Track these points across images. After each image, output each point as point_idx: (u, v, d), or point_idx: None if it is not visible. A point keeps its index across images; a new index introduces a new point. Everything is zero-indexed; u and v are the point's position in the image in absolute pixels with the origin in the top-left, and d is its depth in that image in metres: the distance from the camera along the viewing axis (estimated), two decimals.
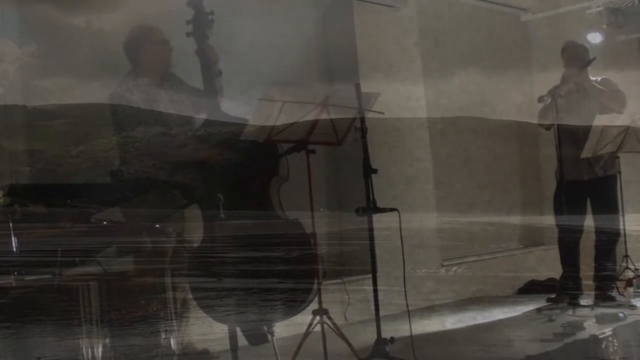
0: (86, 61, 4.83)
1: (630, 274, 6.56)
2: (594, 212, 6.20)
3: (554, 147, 6.02)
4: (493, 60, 7.86)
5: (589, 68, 6.27)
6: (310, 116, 4.40)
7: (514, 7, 8.15)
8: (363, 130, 4.58)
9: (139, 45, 4.57)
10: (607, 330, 5.23)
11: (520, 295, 7.31)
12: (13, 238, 3.49)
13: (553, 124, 6.09)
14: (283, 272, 4.19)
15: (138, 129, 4.33)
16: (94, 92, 4.51)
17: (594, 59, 6.23)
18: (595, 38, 7.39)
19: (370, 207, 4.57)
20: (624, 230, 6.35)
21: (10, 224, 3.51)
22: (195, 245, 4.37)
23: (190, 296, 4.28)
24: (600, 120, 6.03)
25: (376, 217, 4.61)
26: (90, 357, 3.49)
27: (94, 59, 4.83)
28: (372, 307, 4.60)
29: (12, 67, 4.55)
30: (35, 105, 4.68)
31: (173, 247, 4.20)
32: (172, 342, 3.85)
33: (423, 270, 6.64)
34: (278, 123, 4.35)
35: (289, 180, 4.59)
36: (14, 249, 3.48)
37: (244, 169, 4.47)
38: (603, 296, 6.07)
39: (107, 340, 3.55)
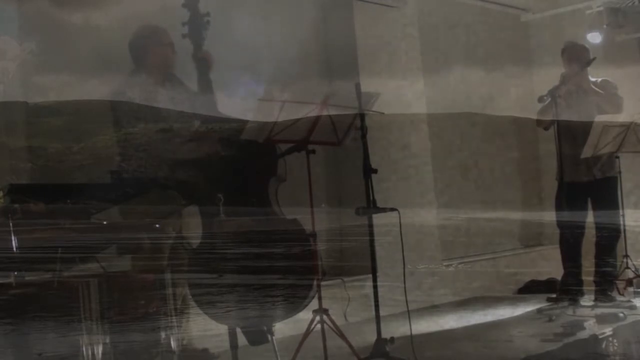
0: (85, 58, 4.83)
1: (630, 274, 6.57)
2: (595, 214, 6.20)
3: (554, 145, 6.01)
4: (493, 59, 7.87)
5: (588, 69, 6.27)
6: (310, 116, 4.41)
7: (514, 7, 8.16)
8: (363, 130, 4.59)
9: (144, 46, 4.57)
10: (607, 330, 5.24)
11: (520, 295, 7.32)
12: (13, 237, 3.49)
13: (552, 124, 6.09)
14: (282, 274, 4.19)
15: (138, 126, 4.33)
16: (94, 89, 4.52)
17: (593, 59, 6.22)
18: (595, 38, 7.40)
19: (370, 207, 4.57)
20: (624, 231, 6.36)
21: (10, 223, 3.51)
22: (195, 244, 4.37)
23: (190, 296, 4.29)
24: (600, 120, 6.03)
25: (376, 216, 4.62)
26: (90, 353, 3.49)
27: (93, 55, 4.84)
28: (372, 306, 4.61)
29: (13, 63, 4.56)
30: (36, 102, 4.69)
31: (173, 245, 4.21)
32: (172, 341, 3.86)
33: (423, 266, 6.65)
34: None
35: (288, 180, 4.59)
36: (14, 248, 3.49)
37: (242, 169, 4.47)
38: (603, 293, 6.07)
39: (108, 337, 3.56)
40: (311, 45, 6.69)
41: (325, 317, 4.37)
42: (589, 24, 7.51)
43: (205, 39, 4.53)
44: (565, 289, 6.11)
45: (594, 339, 5.04)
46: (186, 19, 4.54)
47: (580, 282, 6.15)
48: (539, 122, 6.32)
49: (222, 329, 4.35)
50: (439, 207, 7.13)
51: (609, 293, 6.14)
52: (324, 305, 4.39)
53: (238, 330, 4.36)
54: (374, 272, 4.65)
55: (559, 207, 6.10)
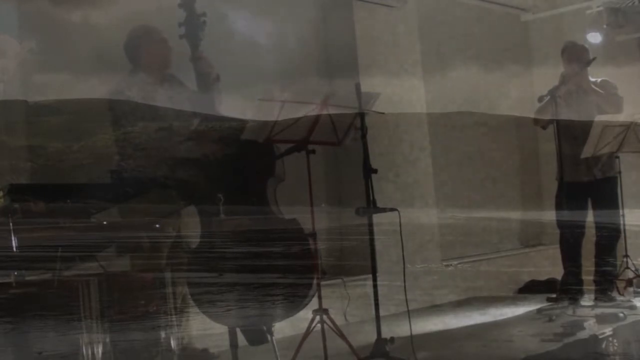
0: (84, 57, 4.83)
1: (630, 274, 6.57)
2: (595, 214, 6.21)
3: (554, 145, 6.01)
4: (493, 59, 7.87)
5: (588, 69, 6.27)
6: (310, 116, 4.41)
7: (514, 7, 8.16)
8: (363, 130, 4.59)
9: (137, 46, 4.58)
10: (607, 330, 5.24)
11: (520, 295, 7.32)
12: (13, 236, 3.49)
13: (550, 123, 6.10)
14: (282, 273, 4.19)
15: (137, 125, 4.34)
16: (93, 88, 4.52)
17: (594, 59, 6.22)
18: (595, 38, 7.40)
19: (370, 207, 4.58)
20: (624, 230, 6.36)
21: (11, 223, 3.51)
22: (195, 243, 4.37)
23: (189, 295, 4.29)
24: (600, 120, 6.03)
25: (376, 216, 4.62)
26: (90, 352, 3.50)
27: (92, 54, 4.84)
28: (372, 306, 4.61)
29: (13, 62, 4.56)
30: (36, 101, 4.69)
31: (172, 245, 4.22)
32: (171, 340, 3.86)
33: (422, 266, 6.65)
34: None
35: (289, 180, 4.59)
36: (14, 247, 3.49)
37: (241, 169, 4.48)
38: (603, 293, 6.07)
39: (108, 336, 3.56)
40: (311, 45, 6.69)
41: (325, 317, 4.37)
42: (589, 24, 7.51)
43: (201, 40, 4.51)
44: (565, 289, 6.11)
45: (594, 339, 5.04)
46: (182, 20, 4.53)
47: (580, 282, 6.15)
48: (536, 121, 6.31)
49: (222, 328, 4.35)
50: (439, 207, 7.13)
51: (609, 293, 6.14)
52: (324, 305, 4.39)
53: (238, 329, 4.36)
54: (374, 271, 4.65)
55: (559, 207, 6.10)
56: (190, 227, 4.41)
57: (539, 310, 6.07)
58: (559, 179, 6.00)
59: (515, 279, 7.57)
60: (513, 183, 8.40)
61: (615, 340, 5.12)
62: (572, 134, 6.10)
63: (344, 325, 4.67)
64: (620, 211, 6.32)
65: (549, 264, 7.47)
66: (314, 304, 4.39)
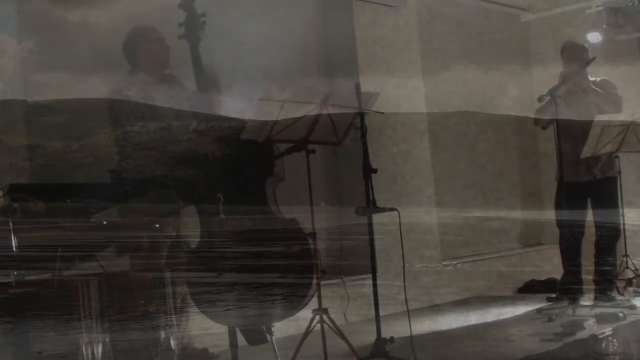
0: (84, 56, 4.84)
1: (630, 274, 6.57)
2: (595, 214, 6.21)
3: (554, 145, 6.01)
4: (493, 59, 7.87)
5: (587, 69, 6.28)
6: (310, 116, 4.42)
7: (514, 7, 8.16)
8: (363, 130, 4.59)
9: (134, 46, 4.59)
10: (607, 330, 5.24)
11: (520, 295, 7.32)
12: (13, 236, 3.50)
13: (550, 123, 6.10)
14: (282, 273, 4.19)
15: (136, 124, 4.34)
16: (93, 87, 4.52)
17: (593, 59, 6.22)
18: (595, 38, 7.40)
19: (370, 207, 4.58)
20: (624, 230, 6.36)
21: (11, 223, 3.51)
22: (195, 243, 4.37)
23: (189, 295, 4.29)
24: (600, 120, 6.03)
25: (376, 216, 4.62)
26: (90, 352, 3.50)
27: (92, 54, 4.84)
28: (372, 306, 4.61)
29: (12, 62, 4.57)
30: (35, 101, 4.69)
31: (172, 245, 4.22)
32: (171, 340, 3.86)
33: (422, 266, 6.65)
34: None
35: (289, 180, 4.59)
36: (14, 248, 3.49)
37: (241, 169, 4.48)
38: (603, 293, 6.07)
39: (107, 336, 3.57)
40: (311, 45, 6.69)
41: (325, 317, 4.37)
42: (589, 24, 7.51)
43: (201, 40, 4.52)
44: (565, 289, 6.11)
45: (594, 339, 5.04)
46: (182, 20, 4.52)
47: (580, 282, 6.15)
48: (536, 122, 6.31)
49: (222, 328, 4.35)
50: (439, 207, 7.13)
51: (609, 293, 6.14)
52: (324, 305, 4.39)
53: (238, 329, 4.36)
54: (374, 271, 4.65)
55: (559, 207, 6.10)
56: (190, 227, 4.41)
57: (539, 310, 6.07)
58: (559, 179, 6.00)
59: (515, 279, 7.57)
60: (513, 183, 8.41)
61: (615, 340, 5.11)
62: (572, 134, 6.10)
63: (344, 325, 4.66)
64: (620, 211, 6.33)
65: (549, 264, 7.48)
66: (314, 304, 4.39)
